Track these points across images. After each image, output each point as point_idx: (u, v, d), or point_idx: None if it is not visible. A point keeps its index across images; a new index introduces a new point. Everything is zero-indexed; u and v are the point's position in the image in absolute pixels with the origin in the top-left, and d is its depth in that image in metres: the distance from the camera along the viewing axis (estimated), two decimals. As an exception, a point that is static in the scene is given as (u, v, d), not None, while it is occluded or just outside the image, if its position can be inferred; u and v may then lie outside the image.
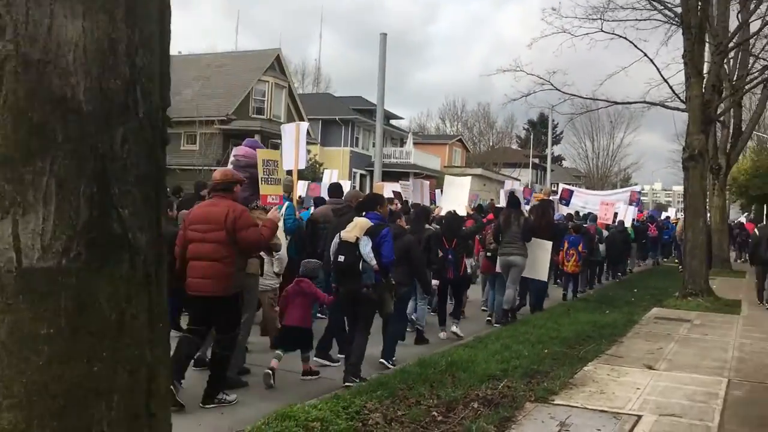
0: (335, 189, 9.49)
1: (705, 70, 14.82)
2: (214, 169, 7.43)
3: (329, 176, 18.26)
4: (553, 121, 60.02)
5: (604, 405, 5.60)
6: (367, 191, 19.98)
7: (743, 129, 21.77)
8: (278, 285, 7.38)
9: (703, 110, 13.56)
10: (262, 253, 6.34)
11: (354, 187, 18.70)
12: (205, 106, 30.46)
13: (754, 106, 22.95)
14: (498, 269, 10.42)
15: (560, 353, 7.54)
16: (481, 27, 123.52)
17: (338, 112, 41.66)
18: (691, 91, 13.60)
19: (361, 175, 41.11)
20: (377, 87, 18.52)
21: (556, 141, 75.48)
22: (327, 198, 9.91)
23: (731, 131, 21.51)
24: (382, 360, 7.09)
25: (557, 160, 78.03)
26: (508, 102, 19.79)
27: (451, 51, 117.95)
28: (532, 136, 67.20)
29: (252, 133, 26.96)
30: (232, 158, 7.24)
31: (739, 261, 27.82)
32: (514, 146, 69.48)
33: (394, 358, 7.19)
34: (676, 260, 22.41)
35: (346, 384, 6.03)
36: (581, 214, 19.39)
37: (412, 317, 8.73)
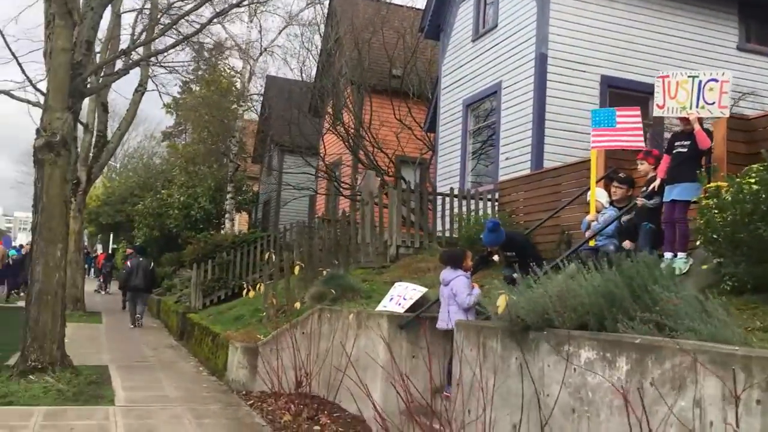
0: None
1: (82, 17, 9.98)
2: None
3: None
4: None
5: None
6: None
7: (109, 138, 17.74)
8: None
9: (73, 75, 8.74)
10: None
11: None
12: None
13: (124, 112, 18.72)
14: None
15: None
16: None
17: None
18: (56, 39, 8.56)
19: None
20: None
21: None
22: None
23: (95, 137, 17.10)
24: None
25: None
26: None
27: None
28: None
29: None
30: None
31: (103, 292, 24.13)
32: None
33: None
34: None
35: None
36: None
37: None
